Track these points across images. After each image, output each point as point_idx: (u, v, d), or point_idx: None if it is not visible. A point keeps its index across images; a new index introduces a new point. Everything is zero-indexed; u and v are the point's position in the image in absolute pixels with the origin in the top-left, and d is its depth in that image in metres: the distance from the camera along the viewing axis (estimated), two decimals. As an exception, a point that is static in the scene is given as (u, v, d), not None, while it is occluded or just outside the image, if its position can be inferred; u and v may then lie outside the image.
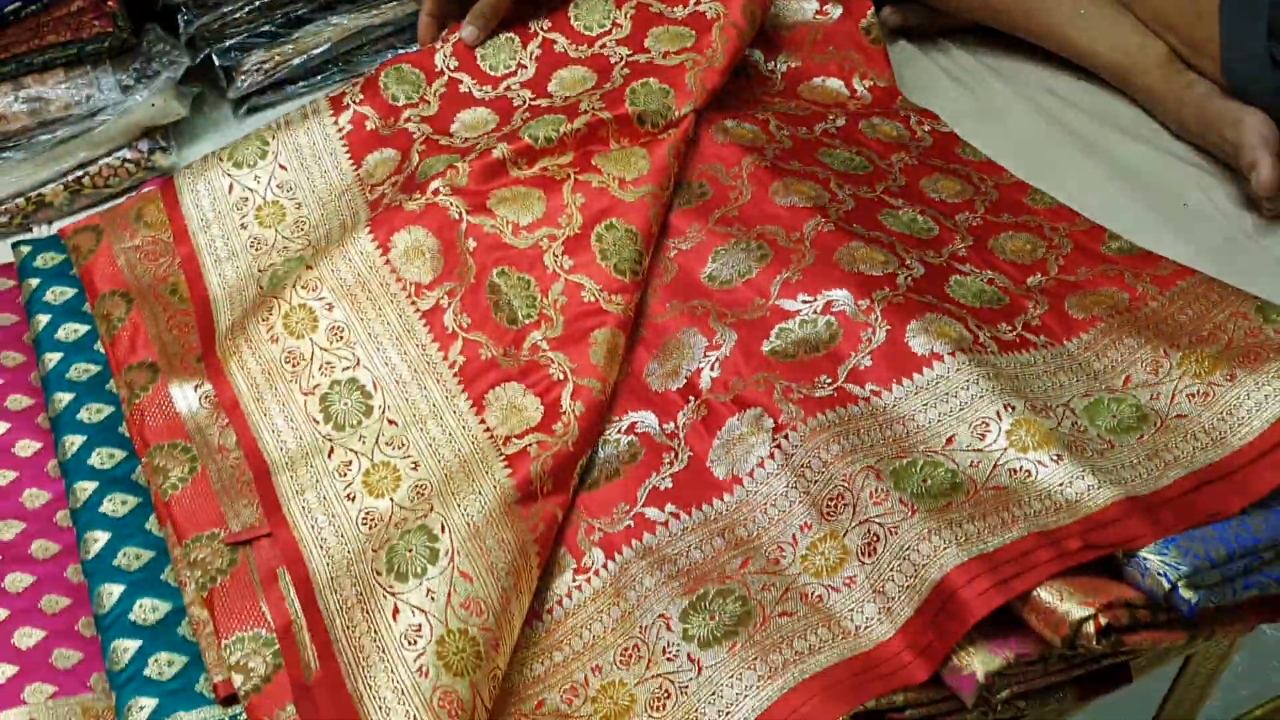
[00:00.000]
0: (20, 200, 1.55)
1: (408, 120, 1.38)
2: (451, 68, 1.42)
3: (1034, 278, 1.14)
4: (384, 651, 0.89)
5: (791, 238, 1.15)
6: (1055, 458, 0.90)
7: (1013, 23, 1.51)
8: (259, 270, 1.29)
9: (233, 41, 1.63)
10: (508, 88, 1.39)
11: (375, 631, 0.90)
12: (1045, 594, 0.81)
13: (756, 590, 0.90)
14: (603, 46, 1.38)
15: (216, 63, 1.64)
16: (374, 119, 1.39)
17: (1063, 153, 1.43)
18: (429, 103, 1.39)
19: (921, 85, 1.54)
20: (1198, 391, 0.96)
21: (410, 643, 0.88)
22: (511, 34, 1.43)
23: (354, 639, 0.91)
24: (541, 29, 1.42)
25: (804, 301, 1.08)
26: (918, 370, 1.00)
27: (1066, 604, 0.80)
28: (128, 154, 1.58)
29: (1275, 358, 0.95)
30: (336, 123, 1.40)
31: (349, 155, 1.37)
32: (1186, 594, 0.81)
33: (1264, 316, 1.02)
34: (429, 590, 0.90)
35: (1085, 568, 0.84)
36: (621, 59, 1.34)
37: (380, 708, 0.86)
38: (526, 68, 1.39)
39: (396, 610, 0.90)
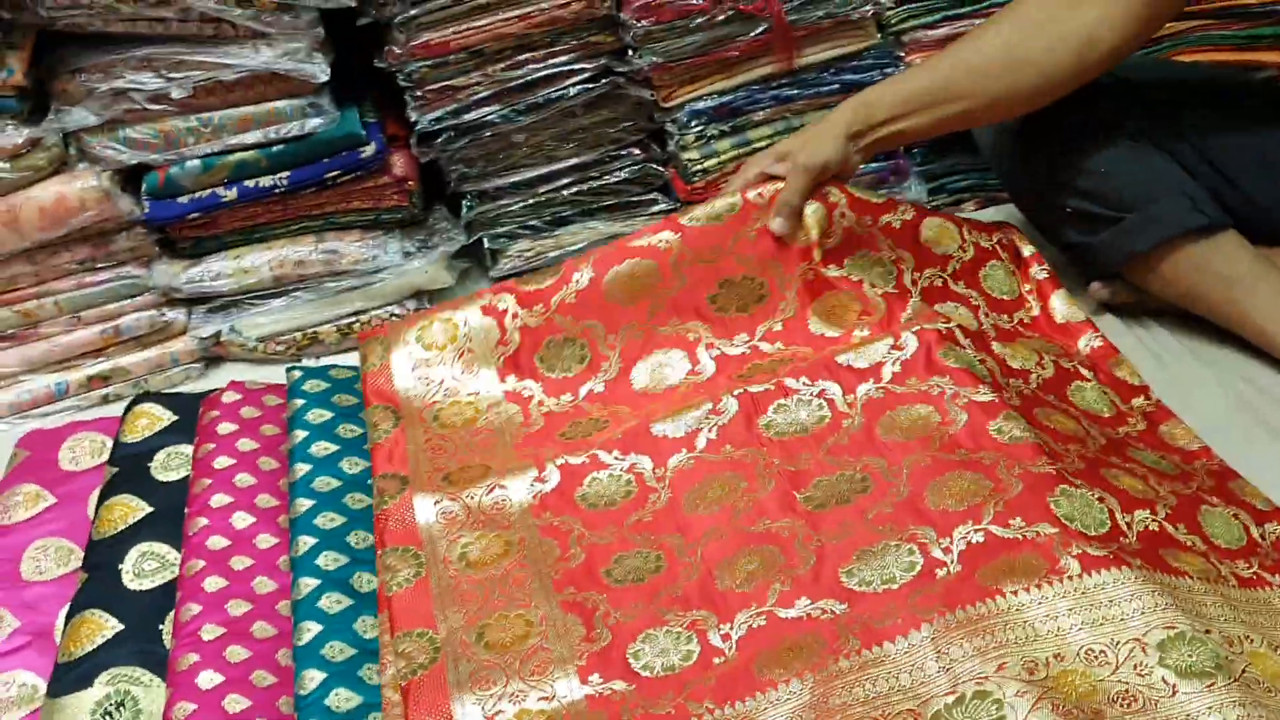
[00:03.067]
0: (299, 334, 1.79)
1: None
2: None
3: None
4: None
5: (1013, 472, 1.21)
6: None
7: (1212, 310, 1.59)
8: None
9: (503, 229, 1.87)
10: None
11: None
12: None
13: None
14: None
15: (486, 245, 1.87)
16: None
17: (1253, 442, 1.46)
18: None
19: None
20: None
21: None
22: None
23: None
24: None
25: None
26: None
27: None
28: (395, 309, 1.81)
29: None
30: None
31: None
32: None
33: None
34: None
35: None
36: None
37: None
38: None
39: None
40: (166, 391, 1.69)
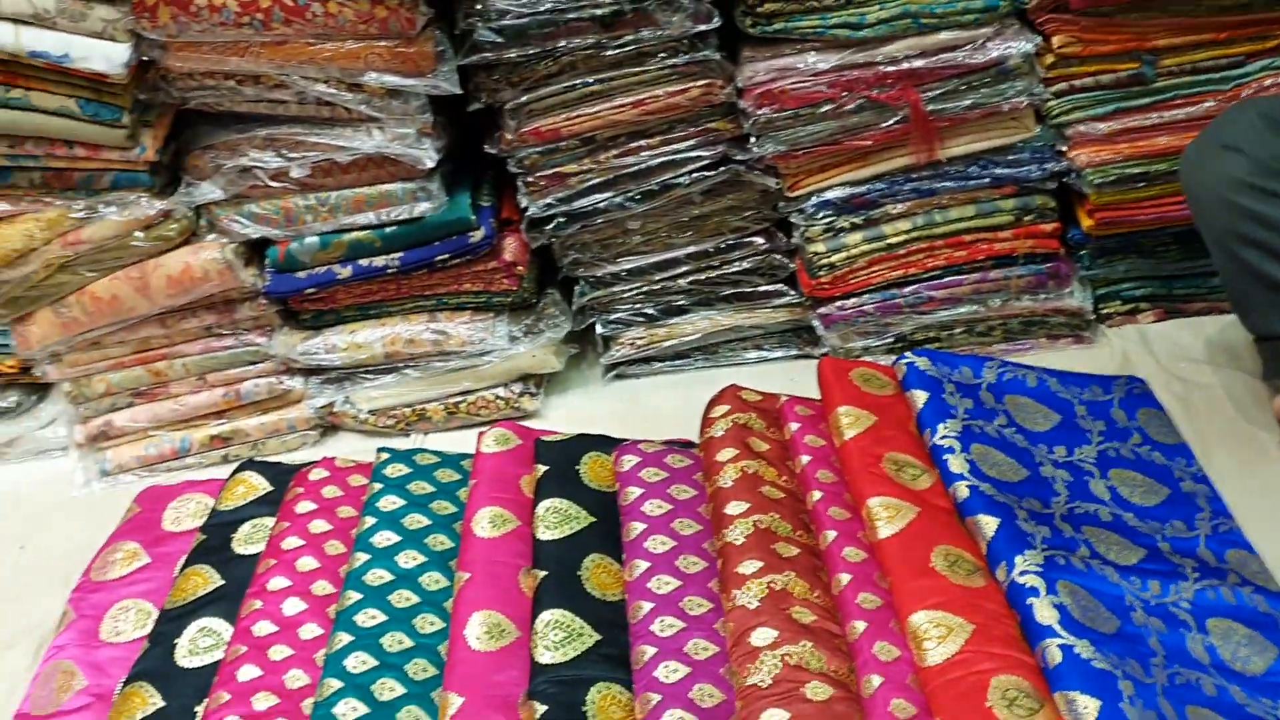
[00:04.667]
0: (408, 410, 1.80)
1: None
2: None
3: None
4: None
5: None
6: None
7: None
8: None
9: (616, 316, 1.82)
10: None
11: None
12: None
13: None
14: None
15: (599, 331, 1.82)
16: None
17: None
18: None
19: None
20: None
21: None
22: None
23: None
24: None
25: None
26: None
27: None
28: (501, 391, 1.79)
29: None
30: None
31: None
32: None
33: None
34: None
35: None
36: None
37: None
38: None
39: None
40: (270, 460, 1.73)
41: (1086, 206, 1.72)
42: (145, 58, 1.56)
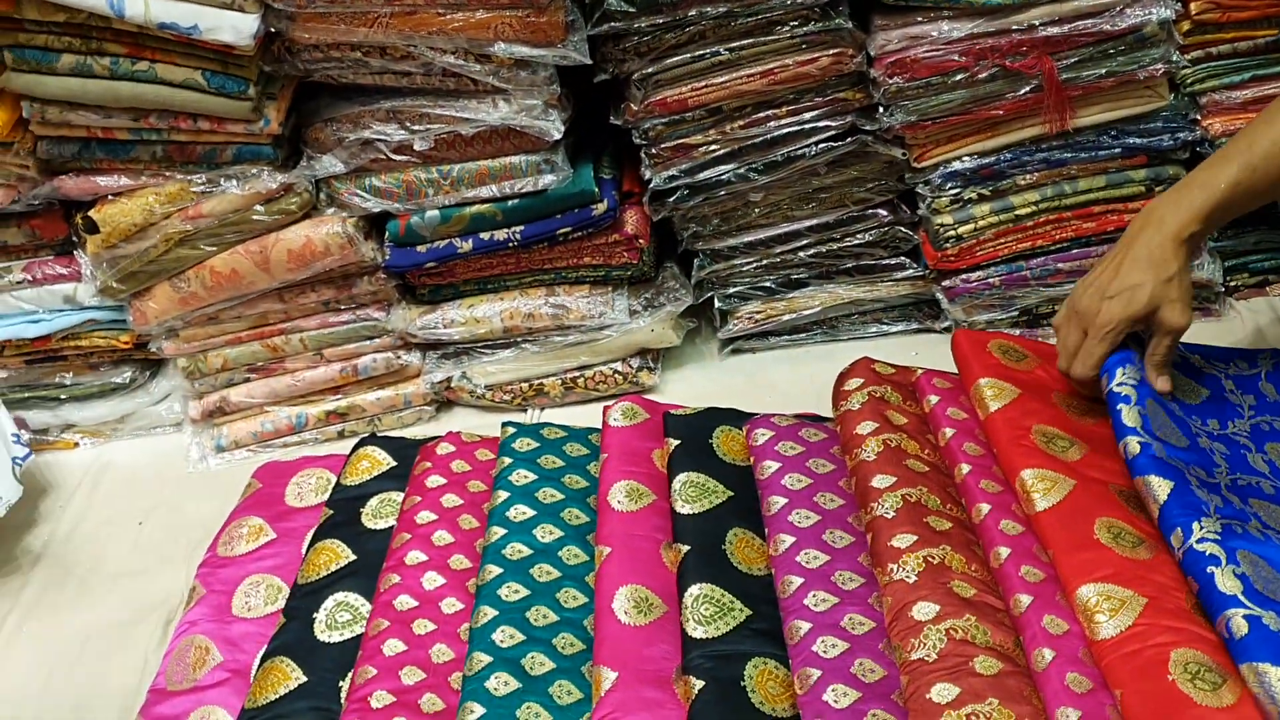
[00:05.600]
0: (525, 385, 1.79)
1: None
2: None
3: None
4: None
5: None
6: None
7: None
8: None
9: (734, 290, 1.80)
10: None
11: None
12: None
13: None
14: None
15: (716, 305, 1.80)
16: None
17: None
18: None
19: None
20: None
21: None
22: None
23: None
24: None
25: None
26: None
27: None
28: (619, 366, 1.77)
29: None
30: None
31: None
32: None
33: None
34: None
35: None
36: None
37: None
38: None
39: None
40: (391, 435, 1.72)
41: (1219, 177, 1.68)
42: (272, 29, 1.55)
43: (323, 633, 1.39)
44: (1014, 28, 1.57)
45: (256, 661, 1.39)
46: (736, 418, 1.55)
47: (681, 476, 1.44)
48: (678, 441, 1.50)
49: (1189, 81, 1.64)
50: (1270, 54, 1.61)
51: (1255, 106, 1.63)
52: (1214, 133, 1.64)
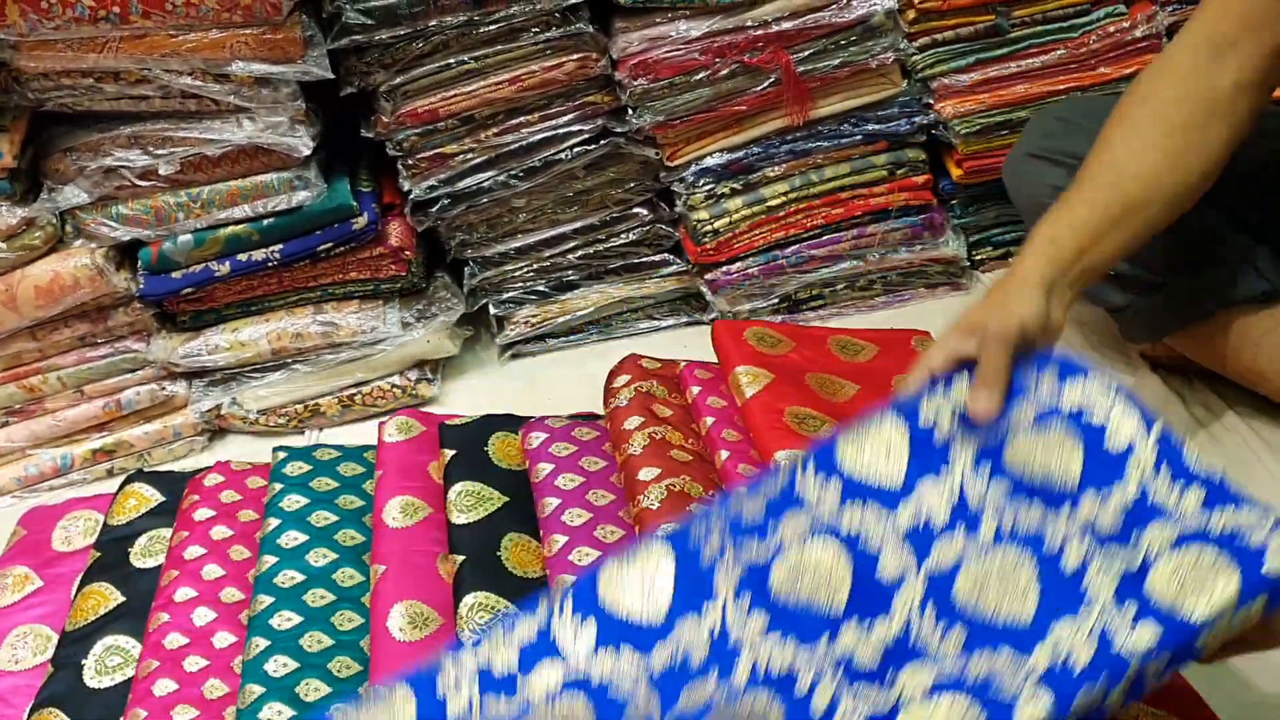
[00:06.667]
0: (299, 407, 1.76)
1: None
2: None
3: None
4: None
5: None
6: None
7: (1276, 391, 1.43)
8: None
9: (508, 295, 1.81)
10: None
11: None
12: None
13: None
14: None
15: (492, 312, 1.81)
16: None
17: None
18: None
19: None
20: None
21: None
22: None
23: None
24: None
25: None
26: None
27: None
28: (397, 380, 1.77)
29: None
30: None
31: None
32: None
33: None
34: None
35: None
36: None
37: None
38: None
39: None
40: (160, 470, 1.68)
41: (955, 157, 1.78)
42: (-5, 60, 1.49)
43: (93, 679, 1.34)
44: (749, 24, 1.63)
45: (25, 716, 1.34)
46: (513, 423, 1.57)
47: (457, 487, 1.45)
48: (454, 452, 1.50)
49: (919, 68, 1.72)
50: (990, 38, 1.71)
51: (982, 88, 1.73)
52: (946, 115, 1.73)
